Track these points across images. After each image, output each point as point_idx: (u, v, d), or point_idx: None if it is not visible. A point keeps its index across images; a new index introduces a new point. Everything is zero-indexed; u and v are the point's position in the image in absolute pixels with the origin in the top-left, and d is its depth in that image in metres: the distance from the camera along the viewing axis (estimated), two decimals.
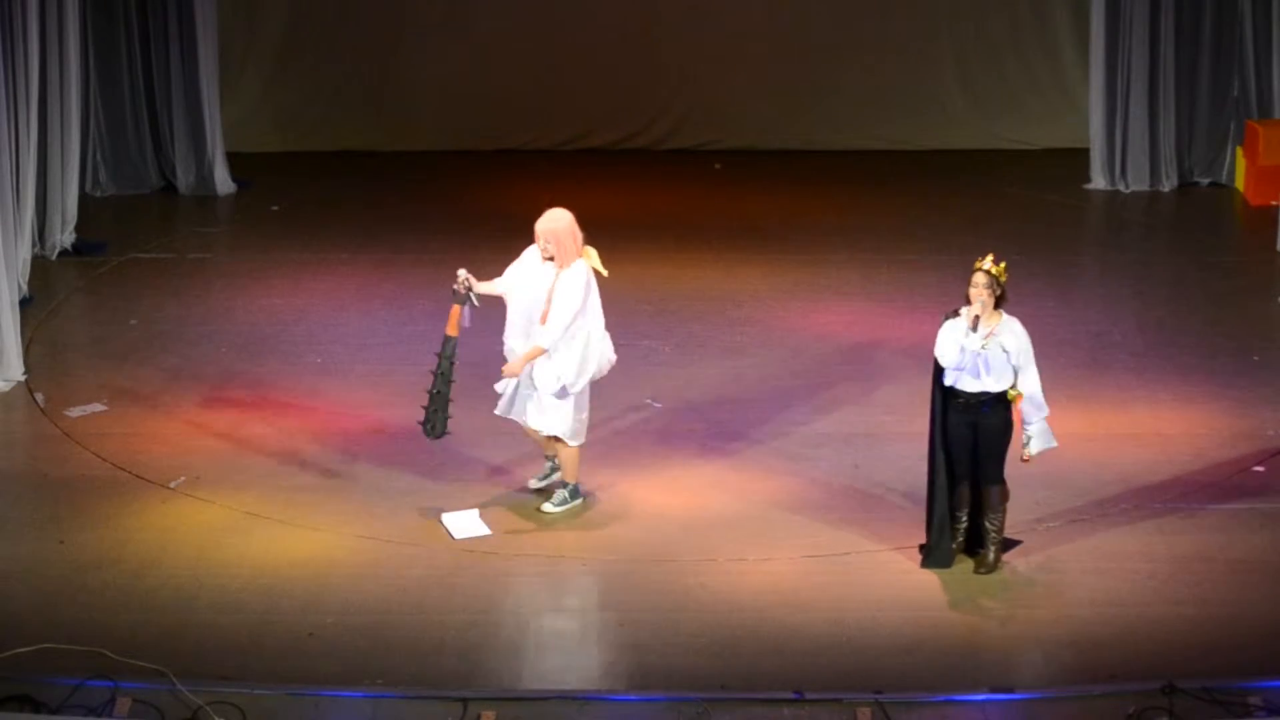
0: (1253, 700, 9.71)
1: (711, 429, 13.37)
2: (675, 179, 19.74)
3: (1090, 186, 19.21)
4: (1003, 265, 11.05)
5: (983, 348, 11.08)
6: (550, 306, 11.72)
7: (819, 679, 10.07)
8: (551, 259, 11.76)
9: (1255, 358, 14.63)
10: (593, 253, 11.89)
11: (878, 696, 9.78)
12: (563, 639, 10.63)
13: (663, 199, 19.11)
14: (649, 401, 13.87)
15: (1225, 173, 19.27)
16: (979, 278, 11.03)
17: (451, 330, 11.95)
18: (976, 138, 20.50)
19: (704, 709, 9.75)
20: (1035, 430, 11.33)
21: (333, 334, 15.21)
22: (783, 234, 17.78)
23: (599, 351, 11.86)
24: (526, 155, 20.45)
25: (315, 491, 12.39)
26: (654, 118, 20.75)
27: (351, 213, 18.54)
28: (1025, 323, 15.20)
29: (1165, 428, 13.37)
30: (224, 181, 19.13)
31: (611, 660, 10.39)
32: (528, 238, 17.52)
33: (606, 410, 13.66)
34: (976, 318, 11.04)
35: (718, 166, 20.11)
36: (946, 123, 20.57)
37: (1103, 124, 19.11)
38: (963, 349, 11.08)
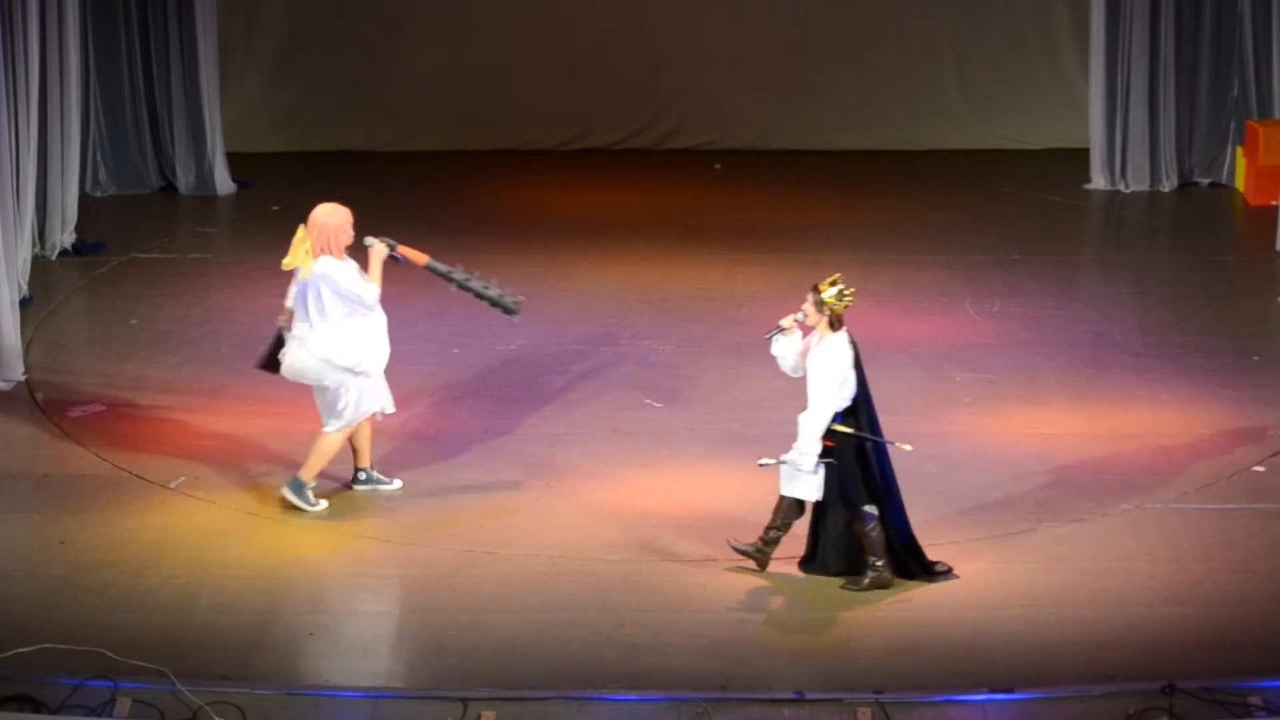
0: (1253, 700, 9.70)
1: (711, 429, 13.37)
2: (675, 179, 19.74)
3: (1090, 186, 19.20)
4: (836, 291, 11.00)
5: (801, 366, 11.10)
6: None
7: (819, 679, 10.07)
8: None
9: (1255, 358, 14.63)
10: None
11: (878, 696, 9.78)
12: (562, 639, 10.62)
13: (663, 199, 19.11)
14: (649, 402, 13.87)
15: (1225, 173, 19.27)
16: (809, 296, 11.02)
17: (420, 259, 12.12)
18: (976, 138, 20.50)
19: (704, 709, 9.75)
20: (790, 455, 10.98)
21: None
22: (783, 234, 17.77)
23: None
24: (526, 155, 20.45)
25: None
26: (654, 118, 20.74)
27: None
28: (1025, 322, 15.32)
29: (1165, 428, 13.36)
30: (224, 181, 19.13)
31: (611, 660, 10.39)
32: (527, 238, 17.62)
33: (607, 410, 13.67)
34: (781, 329, 11.11)
35: (718, 166, 20.10)
36: (946, 123, 20.56)
37: (1103, 124, 19.11)
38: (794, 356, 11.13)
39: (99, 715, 9.60)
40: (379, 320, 11.97)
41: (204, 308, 15.81)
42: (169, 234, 17.94)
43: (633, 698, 9.93)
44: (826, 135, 20.50)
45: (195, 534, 11.84)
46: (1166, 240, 18.09)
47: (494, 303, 12.19)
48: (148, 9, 18.81)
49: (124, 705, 9.67)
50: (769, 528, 11.23)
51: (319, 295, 11.84)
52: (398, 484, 12.34)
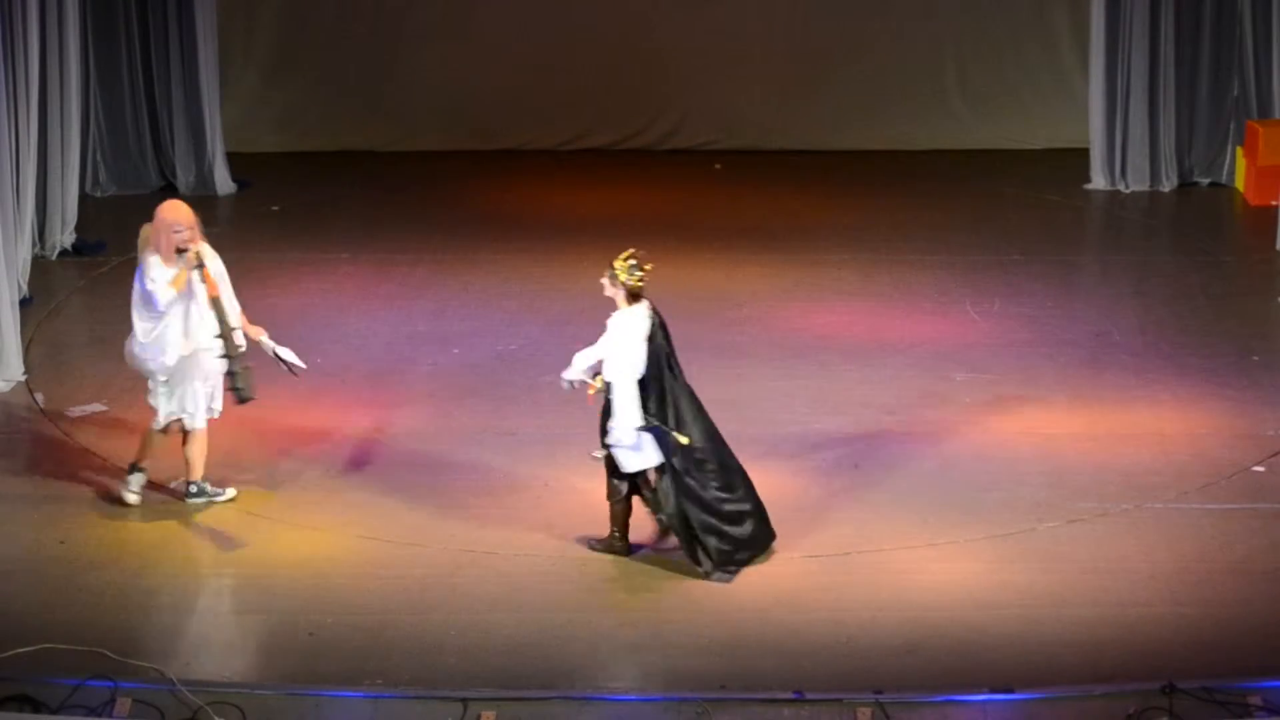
0: (1253, 700, 9.70)
1: None
2: (675, 179, 19.74)
3: (1090, 186, 19.20)
4: (628, 265, 11.19)
5: None
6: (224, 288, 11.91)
7: (819, 679, 10.06)
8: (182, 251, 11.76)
9: (1255, 358, 14.63)
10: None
11: (878, 696, 9.78)
12: (562, 639, 10.62)
13: (663, 199, 19.11)
14: None
15: (1225, 173, 19.27)
16: (607, 270, 11.25)
17: (212, 290, 11.82)
18: (976, 138, 20.50)
19: (704, 709, 9.75)
20: (612, 436, 11.26)
21: (333, 334, 15.21)
22: (783, 234, 17.77)
23: None
24: (526, 155, 20.45)
25: (315, 491, 12.39)
26: (654, 118, 20.75)
27: (351, 213, 18.55)
28: (1025, 322, 15.33)
29: (1165, 428, 13.36)
30: (224, 181, 19.14)
31: (611, 660, 10.39)
32: (528, 238, 17.62)
33: None
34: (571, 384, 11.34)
35: (718, 166, 20.11)
36: (946, 123, 20.57)
37: (1103, 124, 19.11)
38: None
39: (99, 715, 9.60)
40: (174, 326, 11.84)
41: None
42: None
43: (633, 698, 9.94)
44: (826, 135, 20.51)
45: (195, 534, 11.84)
46: (1166, 240, 18.09)
47: (232, 377, 11.95)
48: (148, 9, 18.81)
49: (124, 705, 9.67)
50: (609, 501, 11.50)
51: (133, 286, 11.90)
52: (231, 492, 12.26)
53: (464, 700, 9.77)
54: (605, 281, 11.27)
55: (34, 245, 16.38)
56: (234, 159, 19.25)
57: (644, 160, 20.35)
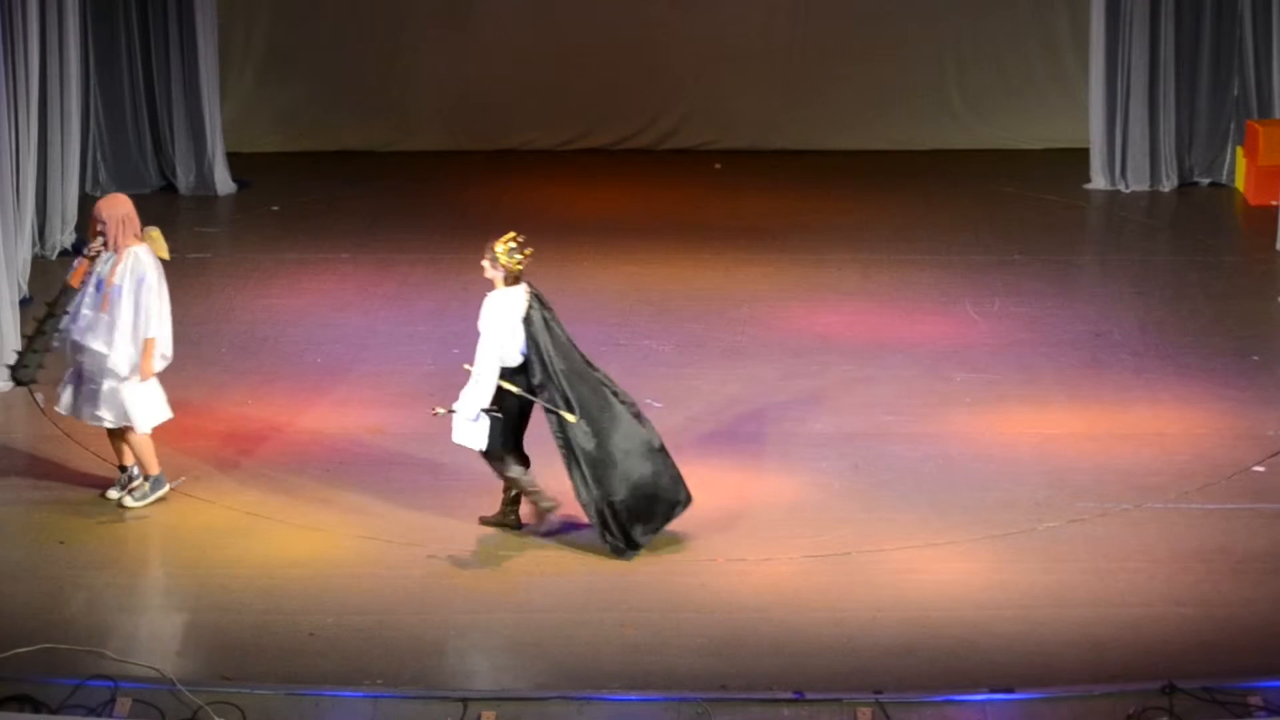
0: (1253, 700, 9.70)
1: (711, 429, 13.37)
2: (675, 179, 19.74)
3: (1090, 186, 19.21)
4: (507, 248, 11.45)
5: None
6: (124, 296, 11.73)
7: (819, 679, 10.06)
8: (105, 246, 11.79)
9: (1255, 358, 14.63)
10: (155, 236, 12.11)
11: (878, 696, 9.78)
12: (562, 639, 10.62)
13: (663, 199, 19.11)
14: (649, 402, 13.85)
15: (1225, 173, 19.28)
16: (486, 255, 11.47)
17: (75, 282, 11.84)
18: (976, 138, 20.52)
19: (704, 709, 9.75)
20: (457, 403, 11.47)
21: (333, 334, 15.21)
22: (783, 234, 17.78)
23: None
24: (526, 155, 20.46)
25: (315, 491, 12.39)
26: (654, 118, 20.75)
27: (351, 213, 18.54)
28: (1025, 322, 15.34)
29: (1165, 428, 13.36)
30: (224, 181, 19.14)
31: (611, 660, 10.38)
32: (528, 237, 17.57)
33: None
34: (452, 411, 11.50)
35: (718, 166, 20.11)
36: (946, 123, 20.58)
37: (1103, 124, 19.12)
38: None
39: (99, 715, 9.60)
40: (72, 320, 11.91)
41: (204, 308, 15.80)
42: (169, 234, 17.77)
43: (633, 698, 9.93)
44: (826, 135, 20.52)
45: (195, 534, 11.84)
46: (1166, 240, 18.09)
47: (19, 355, 12.02)
48: (148, 9, 18.83)
49: (124, 705, 9.67)
50: (504, 490, 11.73)
51: None
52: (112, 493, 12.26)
53: (464, 700, 9.77)
54: (485, 264, 11.50)
55: (34, 245, 16.38)
56: (234, 159, 19.27)
57: (644, 160, 20.36)
